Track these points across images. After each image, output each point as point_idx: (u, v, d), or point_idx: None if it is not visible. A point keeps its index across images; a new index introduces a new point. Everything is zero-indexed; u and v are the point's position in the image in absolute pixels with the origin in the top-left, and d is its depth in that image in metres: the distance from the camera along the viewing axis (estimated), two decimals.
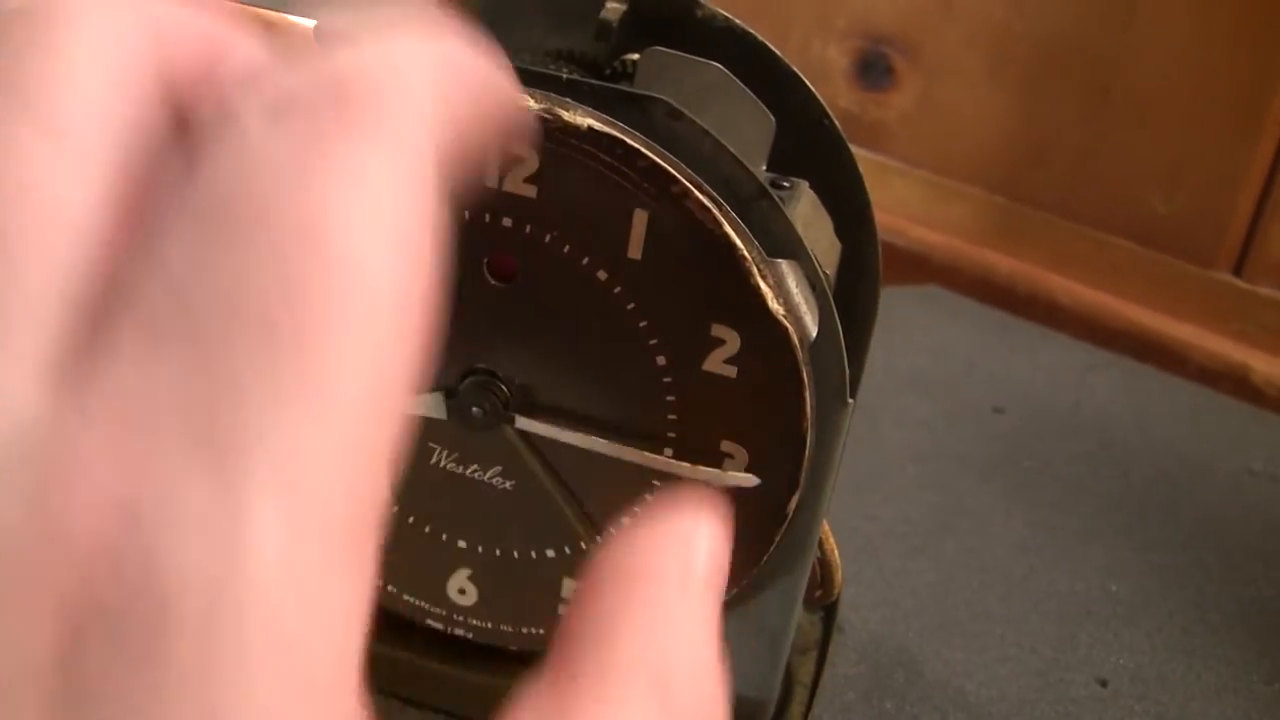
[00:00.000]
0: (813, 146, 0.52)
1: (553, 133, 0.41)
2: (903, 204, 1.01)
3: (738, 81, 0.45)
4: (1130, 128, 0.93)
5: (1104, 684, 0.61)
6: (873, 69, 0.99)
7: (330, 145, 0.18)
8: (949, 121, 0.99)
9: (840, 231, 0.50)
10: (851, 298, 0.51)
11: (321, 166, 0.18)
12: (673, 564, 0.23)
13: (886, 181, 1.00)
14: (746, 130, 0.46)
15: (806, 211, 0.47)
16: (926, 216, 1.01)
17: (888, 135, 1.00)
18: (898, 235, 0.99)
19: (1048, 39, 0.94)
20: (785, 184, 0.47)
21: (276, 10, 0.33)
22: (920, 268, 0.99)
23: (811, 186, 0.48)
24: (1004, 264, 0.98)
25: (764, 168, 0.47)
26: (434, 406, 0.46)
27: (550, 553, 0.49)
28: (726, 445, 0.44)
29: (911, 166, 1.01)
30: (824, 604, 0.57)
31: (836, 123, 0.52)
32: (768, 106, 0.46)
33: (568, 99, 0.41)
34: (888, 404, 0.80)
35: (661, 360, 0.43)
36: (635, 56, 0.50)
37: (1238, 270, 0.93)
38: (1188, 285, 0.94)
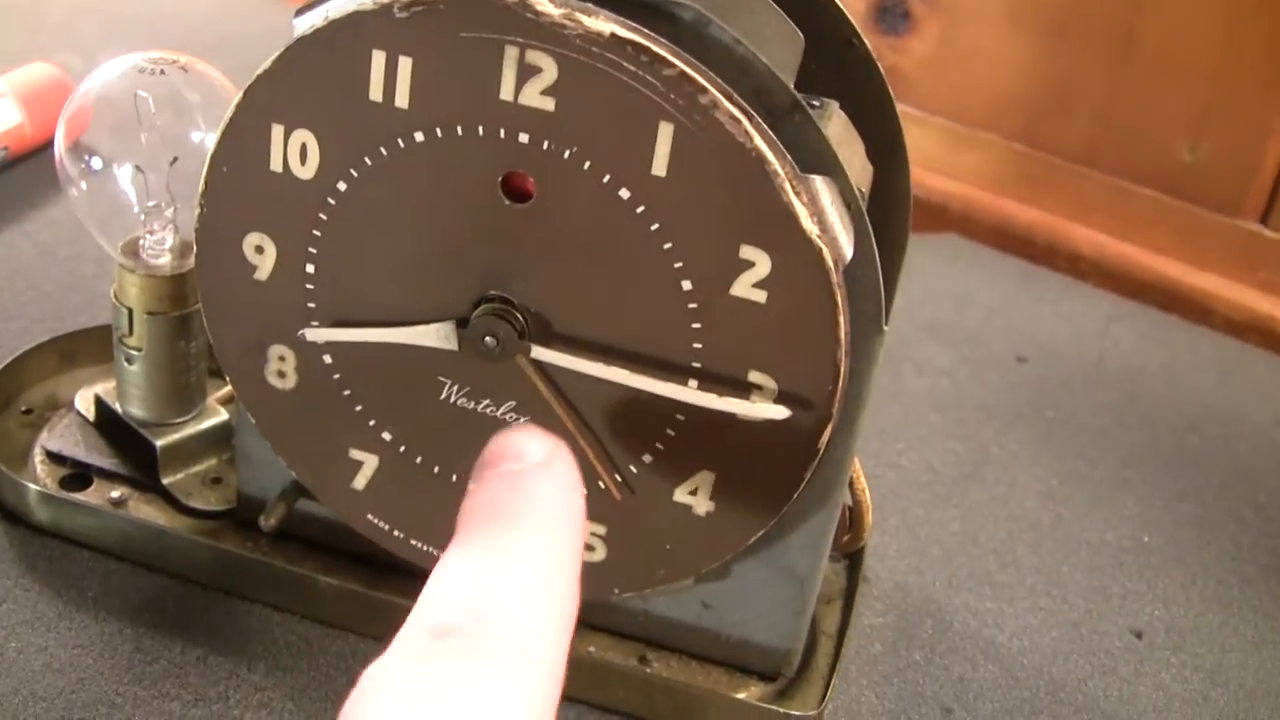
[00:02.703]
0: (841, 67, 0.49)
1: (572, 41, 0.38)
2: (920, 152, 0.98)
3: None
4: (1155, 74, 0.91)
5: (1139, 635, 0.59)
6: (890, 13, 0.96)
7: None
8: (968, 67, 0.96)
9: (870, 157, 0.47)
10: (881, 227, 0.48)
11: None
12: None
13: (903, 128, 0.97)
14: (774, 47, 0.43)
15: (838, 132, 0.45)
16: (945, 165, 0.98)
17: (905, 81, 0.97)
18: (915, 184, 0.96)
19: None
20: (815, 103, 0.45)
21: None
22: (938, 217, 0.96)
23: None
24: (1023, 214, 0.96)
25: (792, 88, 0.44)
26: (444, 337, 0.44)
27: None
28: (755, 375, 0.42)
29: (929, 114, 0.98)
30: (853, 548, 0.55)
31: (866, 42, 0.49)
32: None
33: (589, 3, 0.39)
34: (909, 352, 0.77)
35: (687, 285, 0.41)
36: None
37: (1264, 219, 0.90)
38: (1213, 235, 0.91)
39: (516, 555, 0.32)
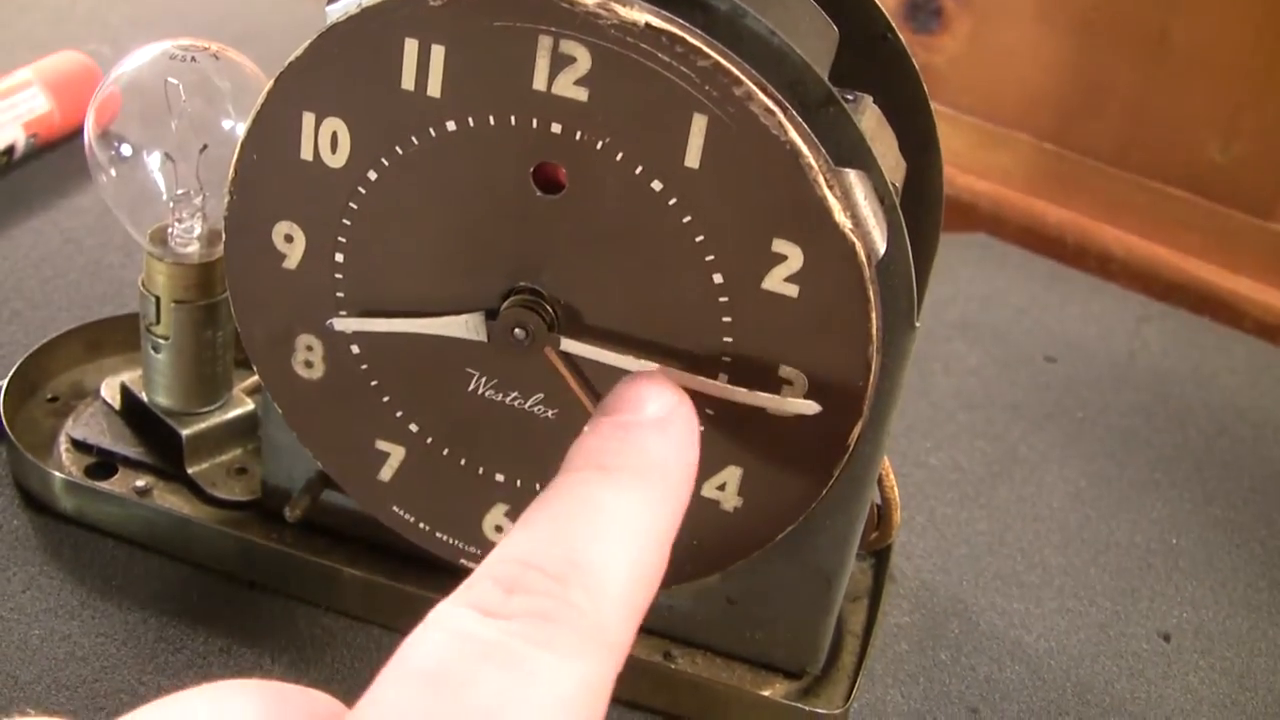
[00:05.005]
0: (875, 63, 0.49)
1: (607, 30, 0.38)
2: (950, 150, 0.97)
3: None
4: (1187, 73, 0.90)
5: (1167, 638, 0.59)
6: (921, 10, 0.96)
7: None
8: (999, 66, 0.96)
9: (903, 153, 0.47)
10: (914, 224, 0.48)
11: None
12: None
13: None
14: (809, 40, 0.43)
15: (872, 126, 0.44)
16: (975, 164, 0.97)
17: (936, 80, 0.97)
18: (945, 182, 0.96)
19: None
20: (849, 97, 0.44)
21: None
22: (968, 216, 0.96)
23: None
24: (1053, 214, 0.95)
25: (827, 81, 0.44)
26: (473, 328, 0.44)
27: None
28: (786, 370, 0.42)
29: (960, 112, 0.97)
30: (880, 546, 0.55)
31: (901, 38, 0.49)
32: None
33: None
34: (937, 351, 0.77)
35: (718, 278, 0.41)
36: None
37: None
38: (1245, 237, 0.90)
39: (610, 515, 0.31)
